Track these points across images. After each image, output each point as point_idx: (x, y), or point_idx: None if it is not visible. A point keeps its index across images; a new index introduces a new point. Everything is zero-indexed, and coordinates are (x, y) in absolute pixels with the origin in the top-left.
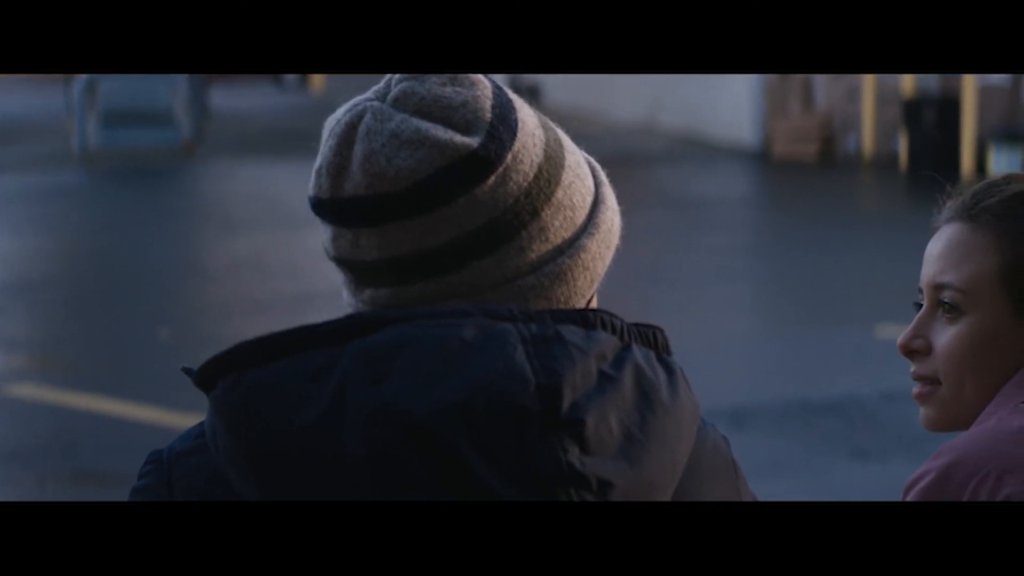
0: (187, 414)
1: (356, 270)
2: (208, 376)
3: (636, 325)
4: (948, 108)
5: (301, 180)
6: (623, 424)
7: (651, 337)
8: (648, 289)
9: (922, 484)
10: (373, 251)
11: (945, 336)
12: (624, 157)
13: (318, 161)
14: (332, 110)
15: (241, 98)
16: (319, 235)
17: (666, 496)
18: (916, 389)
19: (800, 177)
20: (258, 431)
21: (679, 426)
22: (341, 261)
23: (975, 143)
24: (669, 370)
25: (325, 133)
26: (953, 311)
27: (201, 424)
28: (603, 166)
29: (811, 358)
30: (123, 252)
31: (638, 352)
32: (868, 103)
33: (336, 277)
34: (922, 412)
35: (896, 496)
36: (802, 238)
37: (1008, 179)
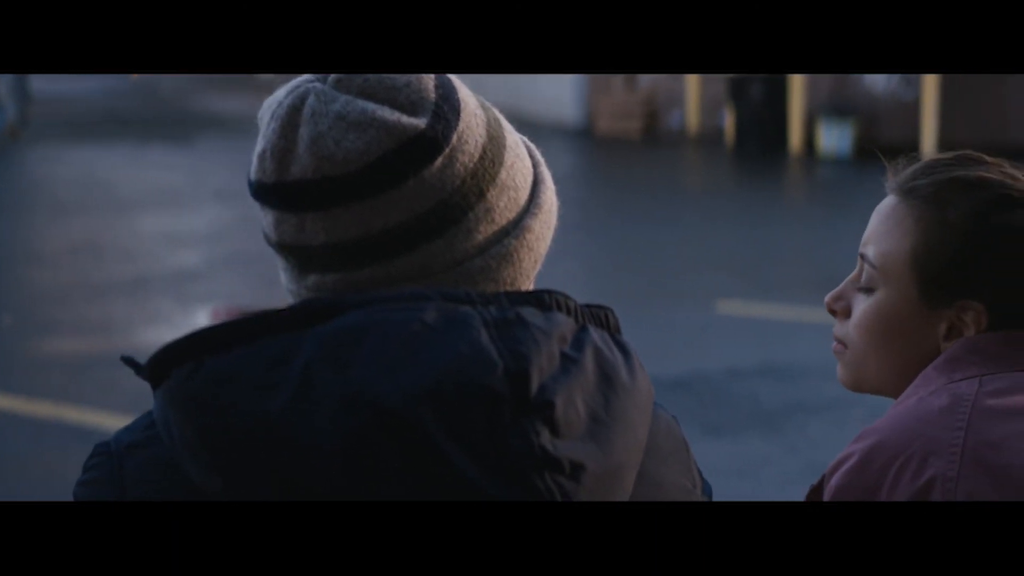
0: (32, 400)
1: (301, 256)
2: (161, 366)
3: (588, 306)
4: (775, 84)
5: (128, 163)
6: (588, 406)
7: (603, 318)
8: None
9: (845, 467)
10: (320, 235)
11: (859, 306)
12: None
13: (260, 145)
14: (150, 94)
15: (61, 81)
16: (155, 218)
17: (631, 477)
18: (833, 346)
19: (625, 154)
20: (221, 420)
21: (639, 406)
22: (284, 247)
23: (804, 118)
24: (625, 351)
25: (266, 116)
26: (867, 282)
27: (149, 414)
28: None
29: (653, 335)
30: None
31: (595, 333)
32: (692, 79)
33: (173, 260)
34: (838, 369)
35: (751, 471)
36: (631, 215)
37: (955, 160)
